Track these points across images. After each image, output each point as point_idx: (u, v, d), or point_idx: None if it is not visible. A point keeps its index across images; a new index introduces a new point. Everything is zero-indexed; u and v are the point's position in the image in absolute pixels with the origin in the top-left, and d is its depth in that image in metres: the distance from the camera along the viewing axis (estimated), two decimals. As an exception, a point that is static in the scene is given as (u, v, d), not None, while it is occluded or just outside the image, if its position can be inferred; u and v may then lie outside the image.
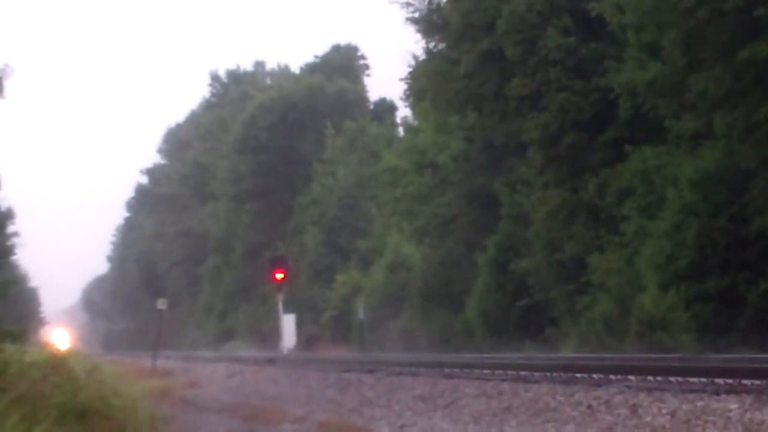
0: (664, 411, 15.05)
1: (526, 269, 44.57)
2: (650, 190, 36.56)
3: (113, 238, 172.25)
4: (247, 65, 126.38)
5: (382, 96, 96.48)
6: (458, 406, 20.52)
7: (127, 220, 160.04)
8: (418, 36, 51.17)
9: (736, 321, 30.72)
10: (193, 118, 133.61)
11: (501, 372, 23.29)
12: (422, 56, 53.16)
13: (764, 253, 30.67)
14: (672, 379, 17.43)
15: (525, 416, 17.95)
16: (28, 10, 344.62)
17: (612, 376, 19.05)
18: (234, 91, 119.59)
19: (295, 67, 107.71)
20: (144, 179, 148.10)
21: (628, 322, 34.05)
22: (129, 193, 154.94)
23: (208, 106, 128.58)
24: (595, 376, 19.61)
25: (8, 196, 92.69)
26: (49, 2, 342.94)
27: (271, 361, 45.51)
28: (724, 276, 31.30)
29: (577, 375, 20.24)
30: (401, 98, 69.30)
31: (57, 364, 19.20)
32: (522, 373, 22.38)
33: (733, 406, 14.11)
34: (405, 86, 59.10)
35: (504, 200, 48.09)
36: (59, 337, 62.82)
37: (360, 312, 61.51)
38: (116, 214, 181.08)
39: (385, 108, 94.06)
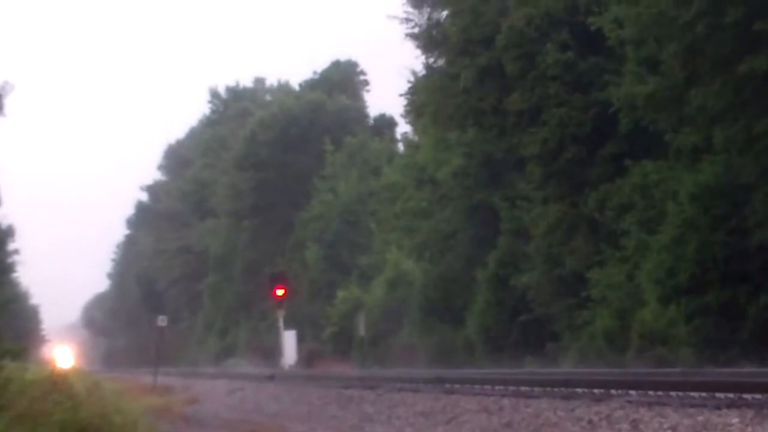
0: (665, 426, 15.04)
1: (526, 284, 44.52)
2: (650, 204, 36.54)
3: (113, 255, 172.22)
4: (247, 82, 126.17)
5: (382, 111, 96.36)
6: (459, 422, 20.51)
7: (128, 237, 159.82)
8: (418, 51, 51.36)
9: (736, 335, 30.69)
10: (193, 135, 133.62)
11: (501, 387, 23.27)
12: (422, 72, 53.32)
13: (765, 267, 30.64)
14: (673, 393, 17.43)
15: None
16: (29, 26, 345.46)
17: (613, 391, 19.04)
18: (234, 107, 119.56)
19: (295, 84, 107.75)
20: (144, 196, 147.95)
21: (629, 336, 34.02)
22: (129, 210, 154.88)
23: (208, 122, 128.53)
24: (595, 391, 19.61)
25: (9, 214, 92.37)
26: (50, 19, 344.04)
27: (271, 377, 45.47)
28: (725, 290, 31.28)
29: (578, 390, 20.23)
30: (401, 114, 69.64)
31: (57, 381, 19.21)
32: (522, 388, 22.37)
33: (734, 420, 14.10)
34: (405, 102, 59.34)
35: (504, 215, 48.05)
36: (62, 354, 62.66)
37: (360, 328, 61.42)
38: (116, 231, 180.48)
39: (385, 123, 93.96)
